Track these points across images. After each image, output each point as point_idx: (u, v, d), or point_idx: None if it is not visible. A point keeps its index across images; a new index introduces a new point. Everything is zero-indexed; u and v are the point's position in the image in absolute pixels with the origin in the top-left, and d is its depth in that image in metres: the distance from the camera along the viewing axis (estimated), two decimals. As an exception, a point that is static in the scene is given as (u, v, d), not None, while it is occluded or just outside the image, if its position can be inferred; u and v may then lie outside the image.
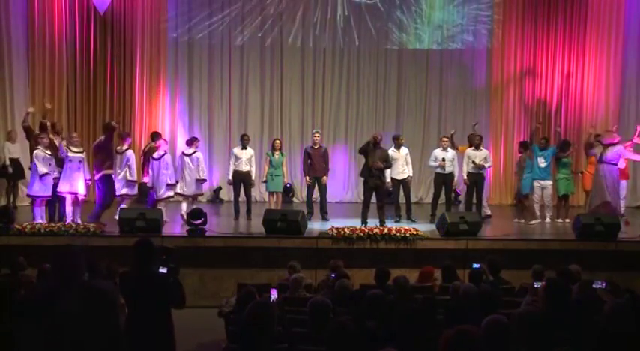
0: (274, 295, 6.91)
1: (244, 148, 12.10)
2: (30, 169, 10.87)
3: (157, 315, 5.13)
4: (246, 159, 12.02)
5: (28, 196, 10.87)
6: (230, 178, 12.15)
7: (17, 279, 7.44)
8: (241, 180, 12.02)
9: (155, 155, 11.45)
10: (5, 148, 12.80)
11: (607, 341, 4.35)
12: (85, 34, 14.47)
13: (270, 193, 12.39)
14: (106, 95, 14.60)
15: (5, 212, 10.32)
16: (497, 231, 11.13)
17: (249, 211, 12.03)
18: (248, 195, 12.20)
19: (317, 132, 12.56)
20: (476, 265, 7.77)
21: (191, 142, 11.94)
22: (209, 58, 15.07)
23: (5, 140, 12.99)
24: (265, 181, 12.33)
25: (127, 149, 11.36)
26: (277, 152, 12.23)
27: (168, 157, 11.48)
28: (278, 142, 12.44)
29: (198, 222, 10.22)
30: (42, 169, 10.40)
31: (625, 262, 9.88)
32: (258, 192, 14.43)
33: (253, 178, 12.21)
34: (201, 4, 14.99)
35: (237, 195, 12.16)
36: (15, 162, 12.80)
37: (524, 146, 12.28)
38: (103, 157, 10.93)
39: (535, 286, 6.82)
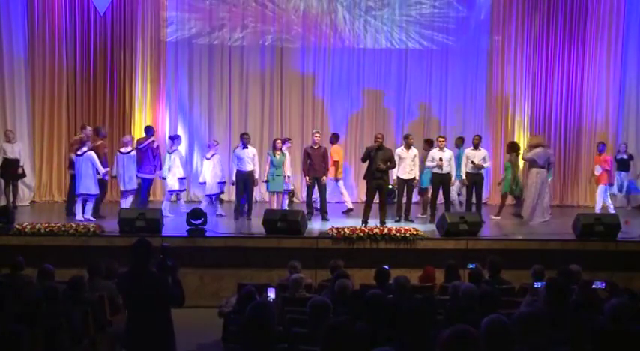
0: (272, 293, 6.90)
1: (245, 147, 12.09)
2: (73, 171, 11.54)
3: (157, 315, 5.15)
4: (248, 158, 12.00)
5: (85, 195, 11.24)
6: (233, 178, 12.17)
7: (17, 279, 7.46)
8: (244, 180, 12.00)
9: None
10: (0, 149, 12.77)
11: (607, 341, 4.36)
12: (85, 34, 14.47)
13: (271, 193, 12.40)
14: (106, 95, 14.58)
15: (5, 212, 10.34)
16: (497, 231, 11.13)
17: (249, 211, 12.03)
18: (250, 195, 12.18)
19: (317, 132, 12.56)
20: (471, 265, 7.79)
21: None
22: (209, 58, 15.04)
23: (4, 141, 12.95)
24: (266, 181, 12.33)
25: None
26: (278, 152, 12.22)
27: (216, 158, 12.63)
28: (279, 142, 12.42)
29: (198, 222, 10.23)
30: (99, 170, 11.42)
31: (625, 262, 9.89)
32: (259, 192, 14.43)
33: (257, 177, 12.20)
34: (202, 4, 14.98)
35: (239, 195, 12.15)
36: (12, 162, 12.75)
37: (428, 143, 12.89)
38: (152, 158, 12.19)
39: (535, 286, 6.82)
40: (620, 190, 13.87)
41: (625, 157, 13.89)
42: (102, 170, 11.41)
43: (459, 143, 13.15)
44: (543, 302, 5.23)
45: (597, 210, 12.86)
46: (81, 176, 11.20)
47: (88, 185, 11.21)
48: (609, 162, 13.14)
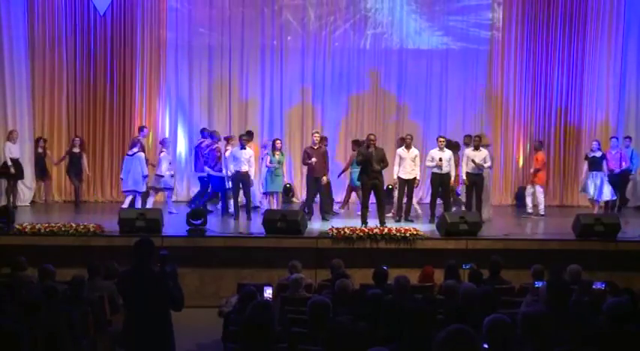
0: (269, 291, 6.89)
1: (243, 147, 12.08)
2: (123, 170, 12.32)
3: (156, 314, 5.15)
4: (244, 159, 11.99)
5: (133, 191, 12.13)
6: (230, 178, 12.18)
7: (17, 279, 7.46)
8: (240, 180, 11.99)
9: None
10: (6, 148, 12.78)
11: (607, 341, 4.35)
12: (85, 34, 14.47)
13: (271, 193, 12.38)
14: (106, 95, 14.58)
15: (5, 212, 10.34)
16: (497, 231, 11.13)
17: (248, 211, 12.03)
18: (247, 195, 12.18)
19: (316, 132, 12.56)
20: (465, 266, 7.82)
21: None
22: (209, 57, 15.05)
23: (6, 140, 12.95)
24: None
25: None
26: (277, 152, 12.22)
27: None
28: (278, 142, 12.43)
29: (198, 222, 10.23)
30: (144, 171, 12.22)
31: (625, 262, 9.88)
32: (258, 192, 14.41)
33: (252, 177, 12.19)
34: (202, 4, 14.98)
35: (236, 195, 12.15)
36: (15, 162, 12.75)
37: (356, 144, 12.64)
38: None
39: (535, 286, 6.82)
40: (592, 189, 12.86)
41: (598, 155, 12.92)
42: (146, 171, 12.15)
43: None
44: (544, 302, 5.23)
45: (529, 210, 12.82)
46: (130, 174, 12.07)
47: (137, 183, 12.07)
48: (540, 161, 12.91)
